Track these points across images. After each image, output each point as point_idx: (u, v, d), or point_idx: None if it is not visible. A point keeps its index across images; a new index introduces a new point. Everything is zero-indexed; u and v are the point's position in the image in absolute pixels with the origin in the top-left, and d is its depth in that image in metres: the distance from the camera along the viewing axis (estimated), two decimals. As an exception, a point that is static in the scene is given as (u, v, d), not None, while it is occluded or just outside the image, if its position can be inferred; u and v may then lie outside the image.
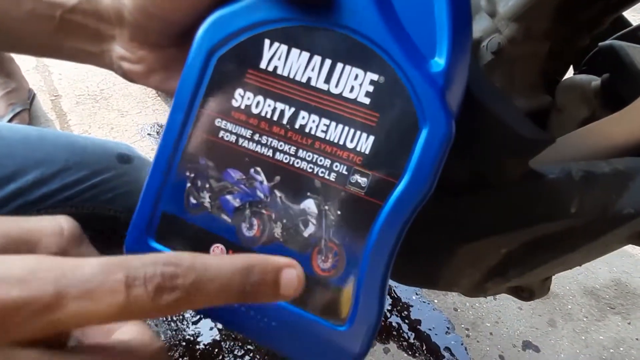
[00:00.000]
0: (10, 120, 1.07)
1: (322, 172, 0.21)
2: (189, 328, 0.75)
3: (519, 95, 0.43)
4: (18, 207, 0.41)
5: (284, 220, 0.22)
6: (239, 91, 0.22)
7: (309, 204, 0.22)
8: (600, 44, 0.46)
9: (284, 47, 0.21)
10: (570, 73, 0.47)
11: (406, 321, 0.80)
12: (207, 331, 0.74)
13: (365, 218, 0.21)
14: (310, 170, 0.22)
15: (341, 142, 0.21)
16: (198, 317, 0.76)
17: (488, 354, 0.77)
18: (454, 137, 0.21)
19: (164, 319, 0.75)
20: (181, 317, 0.76)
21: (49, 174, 0.43)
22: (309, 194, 0.22)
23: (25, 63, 1.24)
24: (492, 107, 0.27)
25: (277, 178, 0.22)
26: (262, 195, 0.22)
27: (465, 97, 0.27)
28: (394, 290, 0.85)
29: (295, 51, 0.21)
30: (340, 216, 0.21)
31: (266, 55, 0.22)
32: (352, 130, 0.21)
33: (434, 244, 0.37)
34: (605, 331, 0.84)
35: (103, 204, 0.46)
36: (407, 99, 0.20)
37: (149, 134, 1.18)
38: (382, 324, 0.79)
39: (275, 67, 0.22)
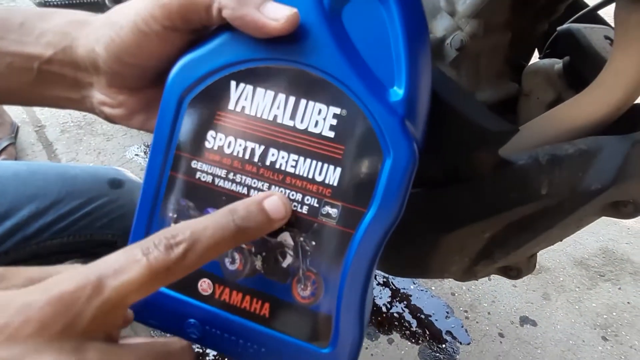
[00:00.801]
0: (-5, 156, 1.07)
1: (294, 205, 0.22)
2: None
3: (487, 87, 0.45)
4: (16, 243, 0.42)
5: (263, 253, 0.23)
6: (211, 133, 0.23)
7: (285, 237, 0.22)
8: (558, 28, 0.48)
9: (249, 88, 0.22)
10: (536, 57, 0.49)
11: (407, 310, 0.82)
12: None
13: (339, 246, 0.22)
14: None
15: (310, 176, 0.22)
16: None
17: (488, 333, 0.80)
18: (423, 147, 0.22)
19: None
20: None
21: (43, 207, 0.44)
22: (284, 227, 0.22)
23: (3, 96, 1.23)
24: (456, 105, 0.29)
25: None
26: None
27: (432, 97, 0.29)
28: (392, 282, 0.87)
29: (260, 90, 0.22)
30: (315, 246, 0.22)
31: (233, 96, 0.22)
32: (319, 164, 0.22)
33: (419, 237, 0.39)
34: (598, 298, 0.87)
35: (99, 230, 0.47)
36: (370, 130, 0.21)
37: (136, 155, 1.19)
38: (384, 315, 0.81)
39: (243, 107, 0.22)
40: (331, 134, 0.22)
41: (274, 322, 0.23)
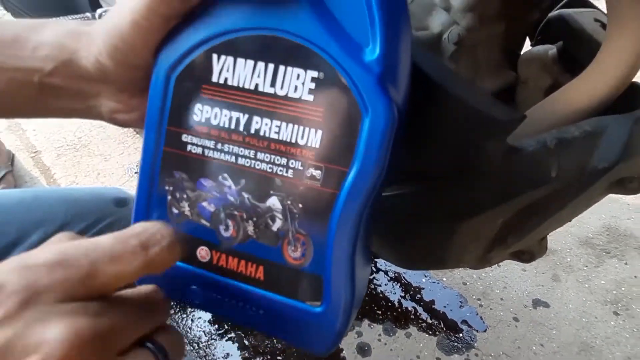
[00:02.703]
0: (-5, 186, 1.07)
1: (280, 170, 0.23)
2: (217, 351, 0.77)
3: (486, 77, 0.46)
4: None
5: (254, 219, 0.24)
6: (198, 106, 0.24)
7: (274, 201, 0.23)
8: (549, 14, 0.49)
9: (230, 59, 0.23)
10: (527, 46, 0.51)
11: (421, 304, 0.83)
12: (235, 351, 0.76)
13: (325, 207, 0.22)
14: (270, 170, 0.23)
15: (293, 140, 0.22)
16: (224, 339, 0.78)
17: (503, 319, 0.81)
18: (407, 124, 0.23)
19: (192, 345, 0.77)
20: (208, 343, 0.78)
21: (52, 232, 0.43)
22: (272, 192, 0.23)
23: (-3, 125, 1.23)
24: (464, 97, 0.30)
25: (243, 181, 0.24)
26: (232, 199, 0.24)
27: (437, 93, 0.29)
28: (403, 277, 0.88)
29: (240, 61, 0.23)
30: (302, 209, 0.23)
31: (216, 68, 0.23)
32: (301, 128, 0.22)
33: (436, 228, 0.40)
34: (605, 275, 0.89)
35: None
36: (347, 90, 0.21)
37: (136, 173, 1.18)
38: (399, 310, 0.82)
39: (226, 79, 0.23)
40: (310, 98, 0.22)
41: (268, 284, 0.24)
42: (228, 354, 0.76)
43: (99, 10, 0.66)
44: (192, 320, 0.81)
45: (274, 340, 0.77)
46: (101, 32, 0.24)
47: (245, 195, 0.24)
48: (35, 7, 0.79)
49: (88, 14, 0.66)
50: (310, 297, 0.24)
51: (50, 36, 0.25)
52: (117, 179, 1.18)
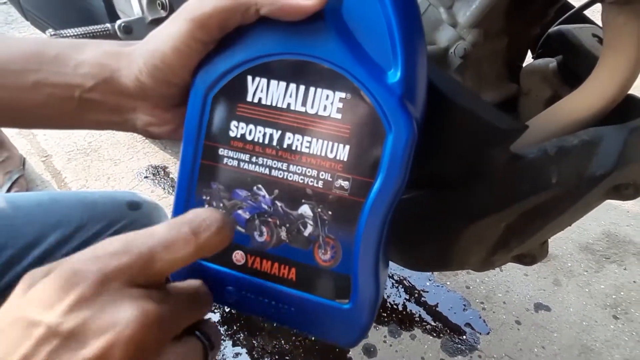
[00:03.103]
0: (9, 189, 1.09)
1: (311, 181, 0.25)
2: (227, 350, 0.78)
3: (490, 89, 0.49)
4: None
5: (287, 225, 0.26)
6: (234, 122, 0.26)
7: (305, 209, 0.25)
8: (549, 30, 0.52)
9: (264, 81, 0.25)
10: (529, 59, 0.53)
11: (425, 307, 0.85)
12: (244, 351, 0.78)
13: (352, 214, 0.25)
14: (301, 181, 0.25)
15: (323, 154, 0.25)
16: (233, 339, 0.80)
17: (505, 322, 0.83)
18: (424, 138, 0.25)
19: None
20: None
21: (68, 234, 0.45)
22: (303, 200, 0.25)
23: (7, 130, 1.25)
24: (471, 108, 0.32)
25: (276, 191, 0.26)
26: (266, 207, 0.26)
27: (445, 104, 0.32)
28: (408, 280, 0.90)
29: (274, 82, 0.25)
30: (331, 215, 0.25)
31: (250, 89, 0.25)
32: (330, 143, 0.24)
33: (442, 231, 0.42)
34: (605, 280, 0.91)
35: None
36: (372, 109, 0.24)
37: (145, 177, 1.21)
38: (403, 313, 0.84)
39: (260, 99, 0.25)
40: (338, 116, 0.24)
41: (300, 284, 0.26)
42: (237, 354, 0.78)
43: (118, 22, 0.69)
44: (201, 321, 0.83)
45: (282, 341, 0.79)
46: (142, 53, 0.26)
47: (279, 204, 0.26)
48: (55, 18, 0.82)
49: (108, 25, 0.69)
50: (339, 295, 0.26)
51: (91, 55, 0.27)
52: (127, 183, 1.20)
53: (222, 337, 0.81)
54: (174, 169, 1.23)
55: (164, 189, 1.17)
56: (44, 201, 0.47)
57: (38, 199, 0.47)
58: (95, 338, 0.17)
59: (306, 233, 0.25)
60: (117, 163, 1.26)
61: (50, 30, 0.67)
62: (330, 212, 0.25)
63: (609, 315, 0.84)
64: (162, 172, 1.23)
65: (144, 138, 1.34)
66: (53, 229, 0.45)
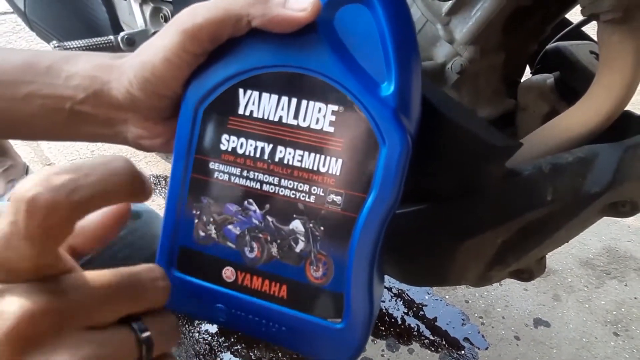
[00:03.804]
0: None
1: (303, 196, 0.24)
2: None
3: (487, 104, 0.49)
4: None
5: (278, 241, 0.25)
6: (225, 136, 0.25)
7: (297, 224, 0.25)
8: (547, 47, 0.52)
9: (255, 93, 0.24)
10: (528, 74, 0.53)
11: (424, 320, 0.85)
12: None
13: (345, 230, 0.24)
14: (293, 196, 0.25)
15: (315, 168, 0.24)
16: (229, 351, 0.79)
17: (504, 337, 0.82)
18: (419, 152, 0.24)
19: (199, 357, 0.78)
20: (215, 355, 0.79)
21: None
22: (295, 215, 0.24)
23: (12, 138, 1.26)
24: (466, 125, 0.33)
25: (267, 206, 0.25)
26: (257, 222, 0.25)
27: (441, 121, 0.32)
28: (406, 293, 0.89)
29: (265, 95, 0.24)
30: (323, 231, 0.24)
31: (242, 102, 0.25)
32: (322, 157, 0.24)
33: (438, 247, 0.42)
34: (606, 296, 0.90)
35: (121, 261, 0.47)
36: (365, 123, 0.23)
37: (146, 186, 1.22)
38: (402, 326, 0.84)
39: (251, 112, 0.25)
40: (331, 129, 0.24)
41: (291, 302, 0.25)
42: (234, 366, 0.78)
43: (121, 34, 0.70)
44: (198, 332, 0.83)
45: (279, 353, 0.79)
46: (133, 65, 0.25)
47: (270, 219, 0.25)
48: (60, 29, 0.83)
49: (111, 37, 0.70)
50: (332, 314, 0.25)
51: (83, 67, 0.27)
52: (128, 192, 1.20)
53: (220, 348, 0.80)
54: (175, 179, 1.23)
55: (165, 198, 1.18)
56: None
57: None
58: None
59: (298, 249, 0.25)
60: (118, 172, 1.27)
61: (55, 41, 0.68)
62: (322, 228, 0.24)
63: (609, 332, 0.83)
64: (164, 182, 1.23)
65: (146, 147, 1.35)
66: None
